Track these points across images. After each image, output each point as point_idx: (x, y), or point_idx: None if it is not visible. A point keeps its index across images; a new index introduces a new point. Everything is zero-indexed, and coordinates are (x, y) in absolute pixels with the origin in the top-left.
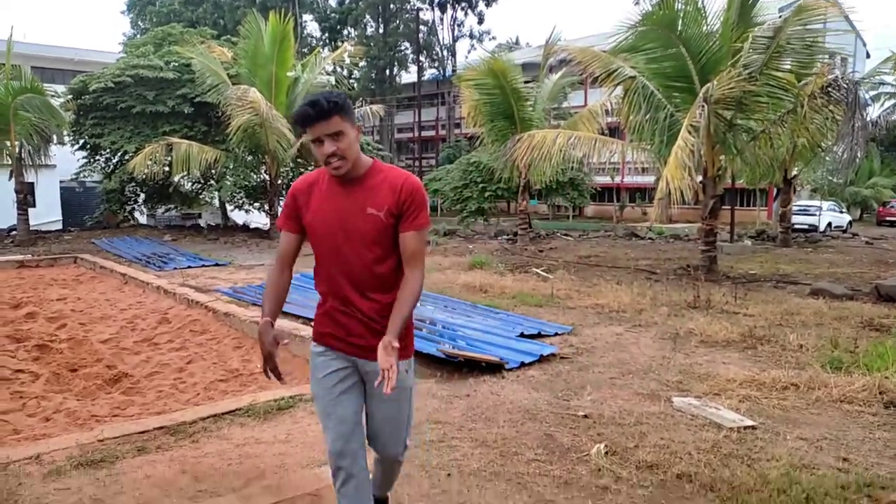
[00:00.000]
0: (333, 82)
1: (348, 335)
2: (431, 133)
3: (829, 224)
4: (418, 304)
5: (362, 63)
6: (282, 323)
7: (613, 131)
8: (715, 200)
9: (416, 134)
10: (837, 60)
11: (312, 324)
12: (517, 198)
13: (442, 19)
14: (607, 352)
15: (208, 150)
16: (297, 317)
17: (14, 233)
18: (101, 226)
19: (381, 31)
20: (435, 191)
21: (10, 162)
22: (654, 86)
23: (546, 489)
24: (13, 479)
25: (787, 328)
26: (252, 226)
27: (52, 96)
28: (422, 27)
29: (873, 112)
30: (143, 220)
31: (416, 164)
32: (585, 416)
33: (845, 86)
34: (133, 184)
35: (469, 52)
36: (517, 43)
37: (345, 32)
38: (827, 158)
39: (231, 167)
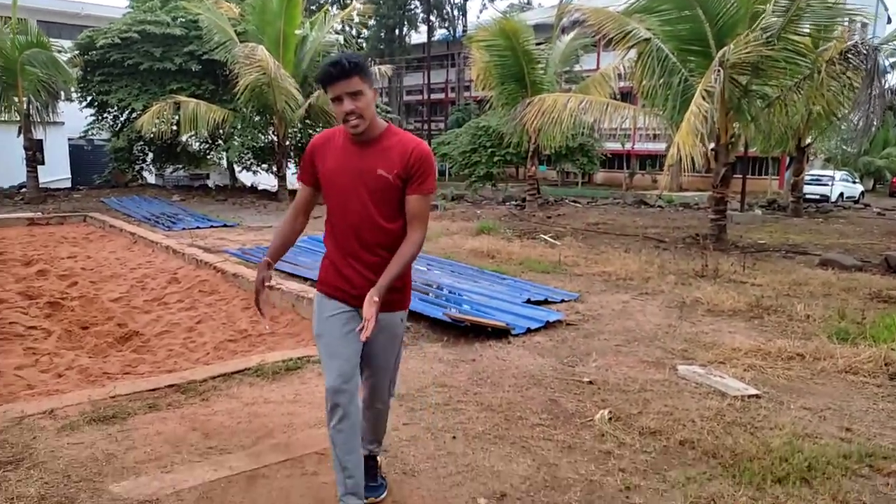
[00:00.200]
0: (342, 41)
1: (352, 287)
2: (441, 96)
3: (842, 194)
4: (426, 269)
5: (371, 22)
6: (291, 285)
7: (626, 96)
8: (726, 168)
9: (426, 96)
10: (858, 25)
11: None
12: (526, 163)
13: None
14: (613, 319)
15: (216, 109)
16: (305, 279)
17: (24, 190)
18: (109, 185)
19: None
20: (443, 155)
21: (18, 118)
22: (668, 49)
23: (550, 453)
24: (28, 432)
25: (795, 298)
26: (260, 187)
27: (59, 52)
28: None
29: (892, 79)
30: (151, 179)
31: (425, 127)
32: (590, 383)
33: (864, 52)
34: (141, 143)
35: (481, 11)
36: (529, 3)
37: None
38: (842, 127)
39: (239, 127)
